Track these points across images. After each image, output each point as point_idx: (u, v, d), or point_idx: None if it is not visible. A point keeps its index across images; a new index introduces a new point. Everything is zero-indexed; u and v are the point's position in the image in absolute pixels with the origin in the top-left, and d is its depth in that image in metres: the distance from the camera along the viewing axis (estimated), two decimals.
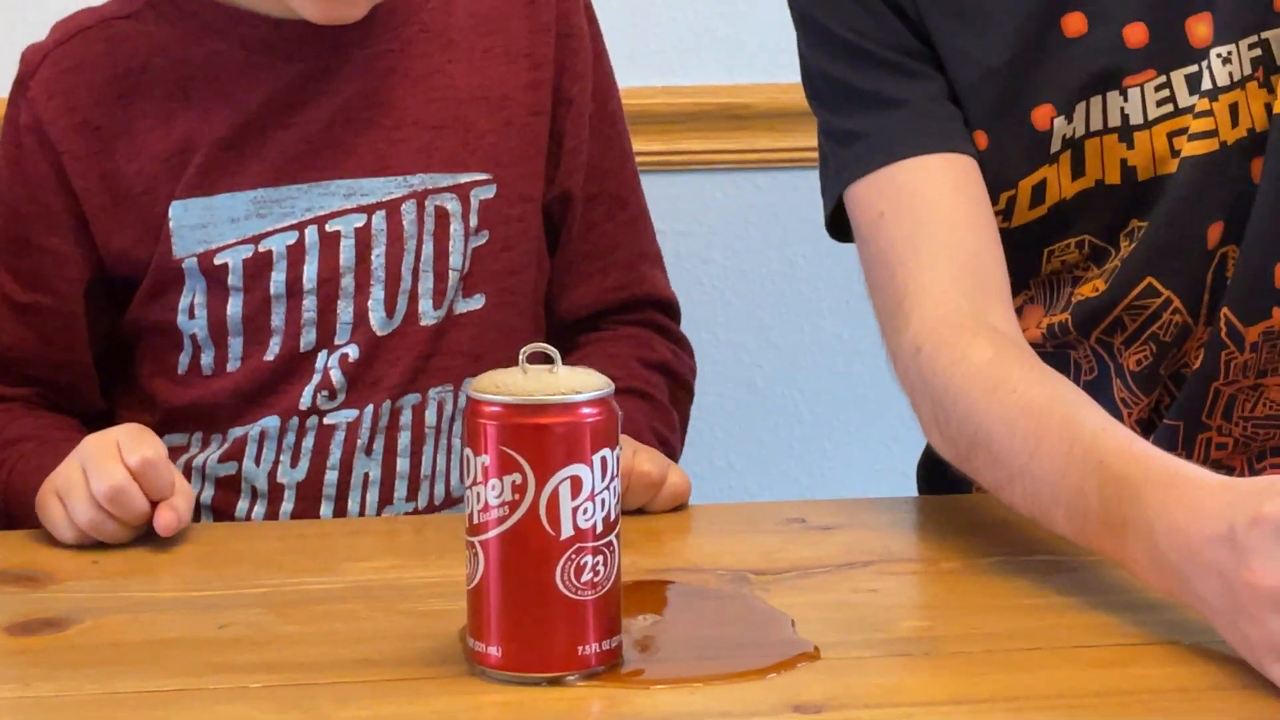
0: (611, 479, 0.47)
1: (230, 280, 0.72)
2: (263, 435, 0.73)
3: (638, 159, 0.88)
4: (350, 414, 0.73)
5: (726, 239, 1.18)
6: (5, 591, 0.58)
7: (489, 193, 0.75)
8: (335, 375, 0.73)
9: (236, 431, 0.73)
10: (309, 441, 0.74)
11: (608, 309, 0.79)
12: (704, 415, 1.14)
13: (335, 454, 0.74)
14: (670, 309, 0.82)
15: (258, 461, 0.74)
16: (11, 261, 0.74)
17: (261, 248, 0.72)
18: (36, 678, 0.48)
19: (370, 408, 0.73)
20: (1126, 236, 0.69)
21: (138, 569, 0.60)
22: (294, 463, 0.74)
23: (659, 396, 0.77)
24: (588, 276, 0.79)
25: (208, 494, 0.74)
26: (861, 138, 0.68)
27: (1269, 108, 0.65)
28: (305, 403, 0.73)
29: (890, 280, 0.66)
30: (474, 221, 0.74)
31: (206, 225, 0.72)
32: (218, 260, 0.72)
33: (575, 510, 0.46)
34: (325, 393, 0.73)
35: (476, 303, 0.75)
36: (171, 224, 0.72)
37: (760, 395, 1.21)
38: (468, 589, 0.48)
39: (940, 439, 0.63)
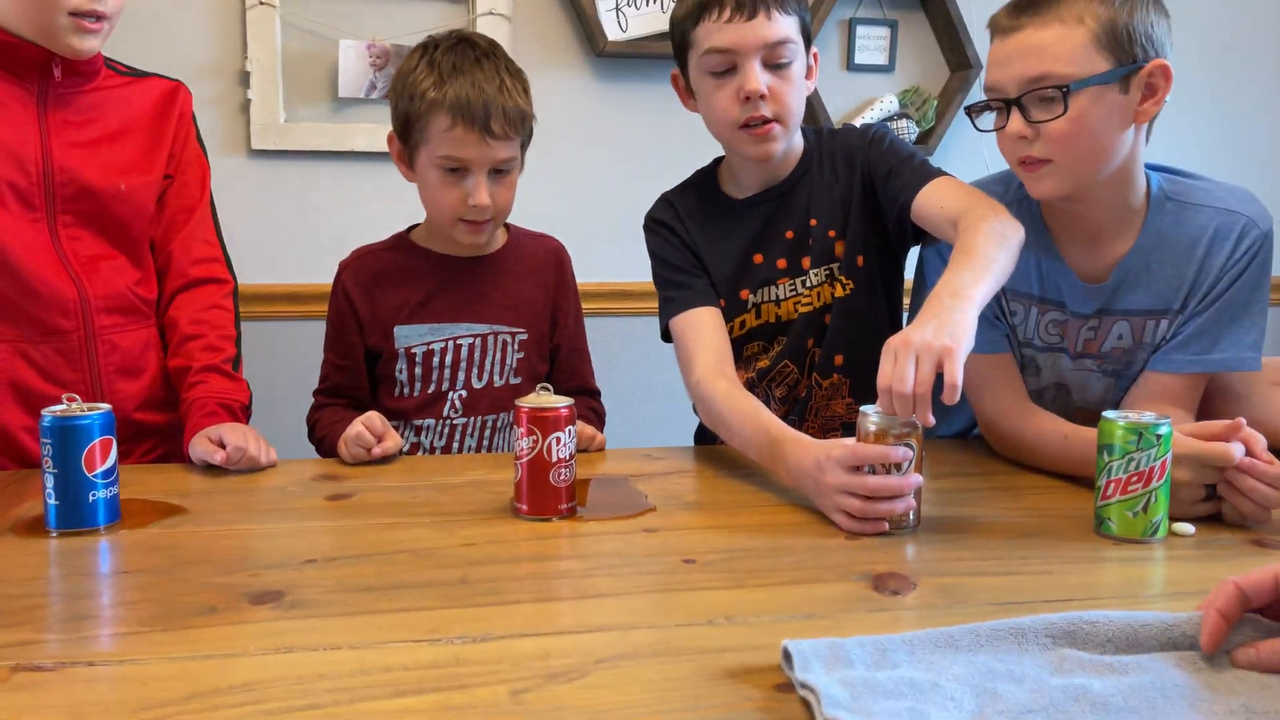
0: (573, 437, 1.11)
1: (417, 359, 1.45)
2: (430, 426, 1.47)
3: None
4: (465, 420, 1.47)
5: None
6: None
7: (525, 336, 1.48)
8: (457, 403, 1.45)
9: (416, 422, 1.46)
10: (446, 429, 1.46)
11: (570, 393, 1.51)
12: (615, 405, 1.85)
13: (459, 436, 1.48)
14: (596, 394, 1.57)
15: (428, 436, 1.48)
16: (336, 346, 1.47)
17: (432, 347, 1.46)
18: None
19: (475, 418, 1.46)
20: (777, 343, 1.43)
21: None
22: (440, 437, 1.47)
23: (593, 416, 1.51)
24: (565, 381, 1.52)
25: (407, 446, 1.49)
26: (675, 299, 1.41)
27: (834, 295, 1.39)
28: (446, 413, 1.46)
29: (687, 354, 1.37)
30: (515, 347, 1.46)
31: (410, 336, 1.46)
32: (412, 350, 1.44)
33: (558, 448, 1.09)
34: (455, 410, 1.46)
35: (518, 379, 1.47)
36: (395, 334, 1.45)
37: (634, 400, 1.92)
38: (515, 480, 1.12)
39: (708, 421, 1.33)
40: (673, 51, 1.42)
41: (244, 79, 2.18)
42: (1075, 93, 1.16)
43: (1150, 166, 1.32)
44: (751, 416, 1.22)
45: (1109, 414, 1.04)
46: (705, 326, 1.37)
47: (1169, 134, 2.51)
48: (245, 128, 2.19)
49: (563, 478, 1.08)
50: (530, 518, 1.09)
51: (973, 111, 1.26)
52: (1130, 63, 1.17)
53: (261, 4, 2.17)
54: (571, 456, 1.09)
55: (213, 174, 1.54)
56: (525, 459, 1.08)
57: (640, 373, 2.39)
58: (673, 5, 1.42)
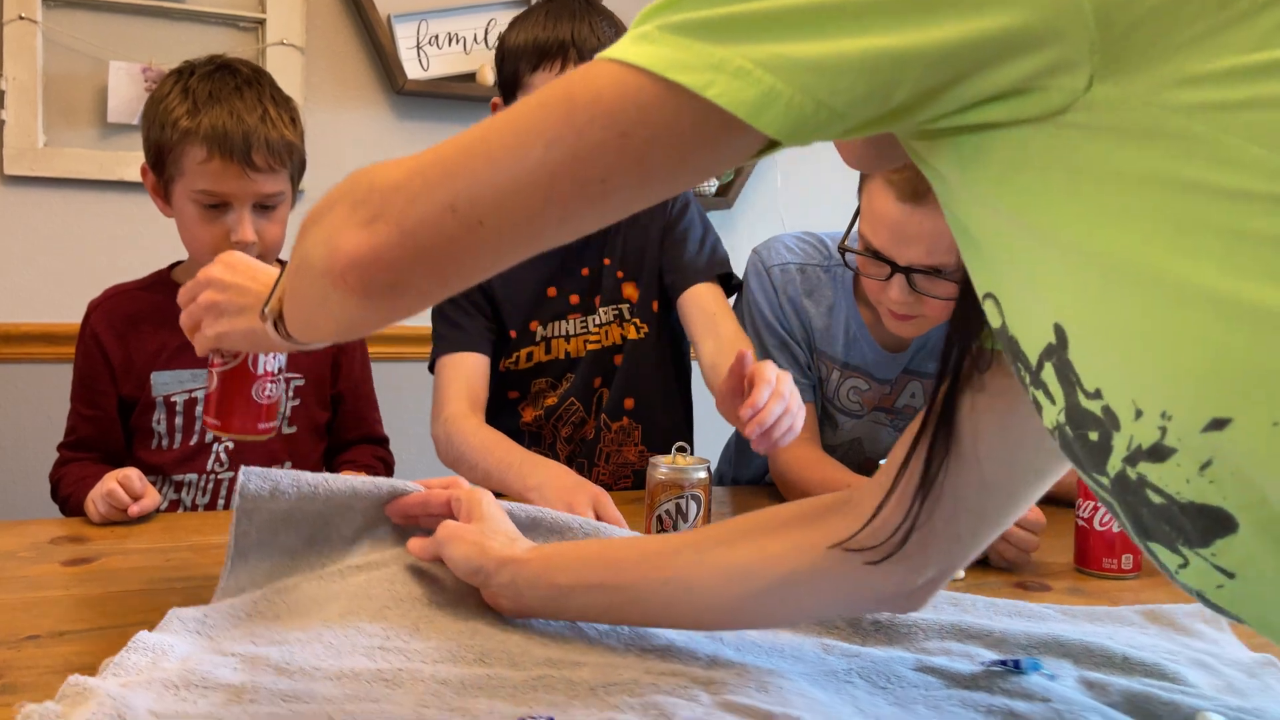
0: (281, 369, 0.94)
1: (178, 408, 1.32)
2: (192, 482, 1.33)
3: None
4: (231, 474, 1.33)
5: None
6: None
7: (301, 382, 1.38)
8: (223, 456, 1.33)
9: (176, 478, 1.32)
10: (210, 484, 1.34)
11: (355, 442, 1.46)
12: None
13: (224, 492, 1.35)
14: (384, 441, 1.49)
15: (190, 493, 1.34)
16: (85, 396, 1.32)
17: (194, 394, 1.33)
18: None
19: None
20: (565, 381, 1.42)
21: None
22: (204, 494, 1.34)
23: (381, 466, 1.43)
24: (349, 430, 1.44)
25: (165, 503, 1.33)
26: (447, 338, 1.38)
27: (624, 336, 1.40)
28: (210, 467, 1.33)
29: (442, 395, 1.35)
30: (290, 394, 1.36)
31: (169, 383, 1.32)
32: (172, 399, 1.31)
33: (267, 359, 0.91)
34: (220, 464, 1.33)
35: (292, 429, 1.37)
36: (153, 381, 1.32)
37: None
38: (205, 393, 1.04)
39: (450, 460, 1.29)
40: (498, 82, 1.39)
41: None
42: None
43: None
44: (497, 449, 1.24)
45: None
46: (468, 371, 1.36)
47: None
48: None
49: (268, 394, 0.93)
50: (227, 436, 0.95)
51: (845, 249, 1.26)
52: None
53: (22, 19, 2.00)
54: (281, 371, 0.94)
55: None
56: (220, 369, 0.92)
57: None
58: (503, 33, 1.37)
